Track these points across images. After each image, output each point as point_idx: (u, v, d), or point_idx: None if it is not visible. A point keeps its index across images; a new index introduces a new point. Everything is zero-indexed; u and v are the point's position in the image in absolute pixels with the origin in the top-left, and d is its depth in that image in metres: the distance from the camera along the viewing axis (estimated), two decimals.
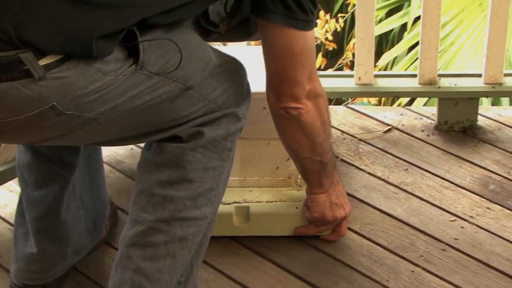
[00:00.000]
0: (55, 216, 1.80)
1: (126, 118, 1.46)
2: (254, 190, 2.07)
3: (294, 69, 1.62)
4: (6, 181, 2.16)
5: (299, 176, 2.04)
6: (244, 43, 2.33)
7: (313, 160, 1.81)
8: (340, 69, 4.49)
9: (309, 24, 1.57)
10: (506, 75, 2.44)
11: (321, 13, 4.46)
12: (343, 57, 4.58)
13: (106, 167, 2.20)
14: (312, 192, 1.91)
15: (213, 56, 1.59)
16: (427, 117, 2.54)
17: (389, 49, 4.42)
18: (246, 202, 2.03)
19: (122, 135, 1.54)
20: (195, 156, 1.55)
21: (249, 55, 2.05)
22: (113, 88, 1.39)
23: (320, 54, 4.44)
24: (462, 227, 2.09)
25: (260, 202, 2.03)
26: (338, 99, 4.07)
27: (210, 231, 1.68)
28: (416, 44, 3.75)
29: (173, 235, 1.56)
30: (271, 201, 2.03)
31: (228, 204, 2.02)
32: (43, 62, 1.31)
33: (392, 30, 4.56)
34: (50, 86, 1.33)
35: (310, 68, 1.64)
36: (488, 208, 2.16)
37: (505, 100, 3.84)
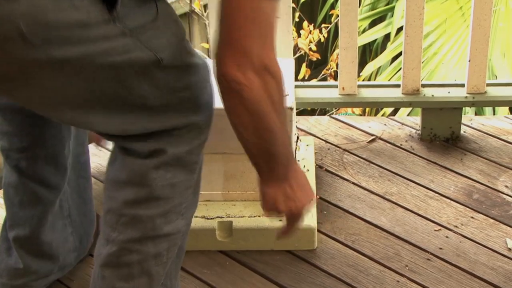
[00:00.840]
0: (39, 237, 1.79)
1: (91, 76, 1.38)
2: (237, 204, 2.07)
3: (243, 35, 1.44)
4: None
5: None
6: None
7: (259, 147, 1.52)
8: (324, 79, 4.50)
9: None
10: (488, 84, 2.45)
11: (305, 23, 4.47)
12: (327, 68, 4.59)
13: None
14: (261, 182, 1.59)
15: (185, 38, 1.53)
16: (411, 127, 2.54)
17: (372, 59, 4.44)
18: (229, 216, 2.03)
19: (80, 101, 1.43)
20: (159, 173, 1.50)
21: None
22: (85, 31, 1.33)
23: (304, 65, 4.45)
24: (447, 237, 2.09)
25: (243, 216, 2.03)
26: (322, 109, 4.08)
27: (185, 241, 1.66)
28: (400, 54, 3.77)
29: (146, 253, 1.53)
30: (254, 216, 2.03)
31: (211, 219, 2.02)
32: None
33: (376, 40, 4.58)
34: (21, 7, 1.27)
35: (264, 41, 1.45)
36: (472, 217, 2.16)
37: (488, 110, 3.86)
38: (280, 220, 2.00)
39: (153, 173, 1.49)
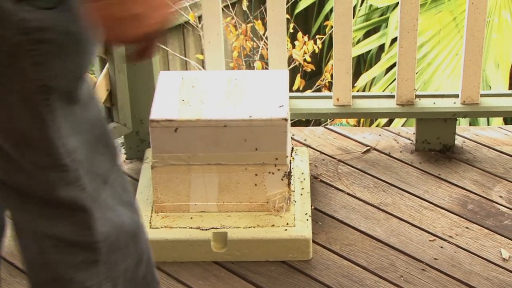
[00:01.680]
0: None
1: None
2: (232, 215, 2.06)
3: None
4: None
5: (277, 201, 2.05)
6: (223, 66, 2.33)
7: None
8: (319, 90, 4.51)
9: None
10: (482, 95, 2.46)
11: (299, 34, 4.48)
12: (321, 78, 4.61)
13: None
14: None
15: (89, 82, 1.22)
16: (405, 137, 2.55)
17: (367, 70, 4.45)
18: (224, 227, 2.03)
19: None
20: (50, 256, 1.30)
21: (227, 80, 2.06)
22: None
23: (298, 76, 4.46)
24: (442, 247, 2.10)
25: (238, 227, 2.03)
26: (317, 120, 4.09)
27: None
28: (394, 64, 3.78)
29: None
30: (249, 227, 2.03)
31: (206, 230, 2.02)
32: None
33: (370, 51, 4.59)
34: None
35: None
36: (467, 227, 2.17)
37: (482, 120, 3.87)
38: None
39: (43, 257, 1.30)
